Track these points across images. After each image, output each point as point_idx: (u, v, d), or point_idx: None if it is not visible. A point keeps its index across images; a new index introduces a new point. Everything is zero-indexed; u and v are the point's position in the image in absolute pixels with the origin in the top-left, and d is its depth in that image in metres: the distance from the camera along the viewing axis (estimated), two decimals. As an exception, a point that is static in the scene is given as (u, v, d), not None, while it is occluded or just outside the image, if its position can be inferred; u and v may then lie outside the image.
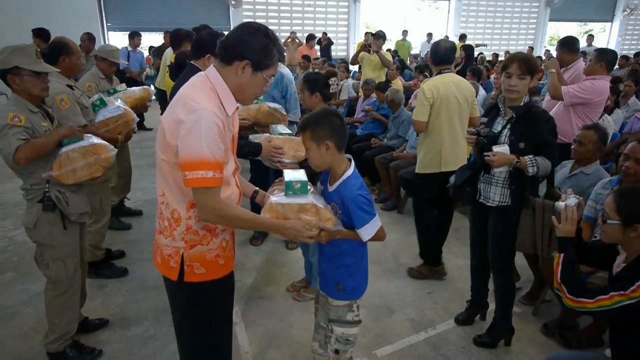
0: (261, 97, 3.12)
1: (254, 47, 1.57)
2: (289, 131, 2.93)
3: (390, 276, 3.55)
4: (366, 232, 1.83)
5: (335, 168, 1.88)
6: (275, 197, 1.79)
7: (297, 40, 11.29)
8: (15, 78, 2.25)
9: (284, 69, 3.68)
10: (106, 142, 2.54)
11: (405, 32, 12.82)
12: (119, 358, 2.61)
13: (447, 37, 13.68)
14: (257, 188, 2.05)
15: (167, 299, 3.10)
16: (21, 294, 3.19)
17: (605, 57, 3.82)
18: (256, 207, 1.95)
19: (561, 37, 4.26)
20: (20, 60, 2.23)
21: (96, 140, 2.49)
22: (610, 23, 17.23)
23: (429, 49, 11.95)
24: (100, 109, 3.25)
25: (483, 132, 2.50)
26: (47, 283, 2.46)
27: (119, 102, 3.34)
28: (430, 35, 13.47)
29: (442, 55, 3.29)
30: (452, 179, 2.70)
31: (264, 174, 3.59)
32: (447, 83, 3.21)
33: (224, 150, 1.56)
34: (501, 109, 2.55)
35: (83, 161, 2.38)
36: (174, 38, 4.12)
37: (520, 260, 3.28)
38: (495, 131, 2.53)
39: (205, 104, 1.52)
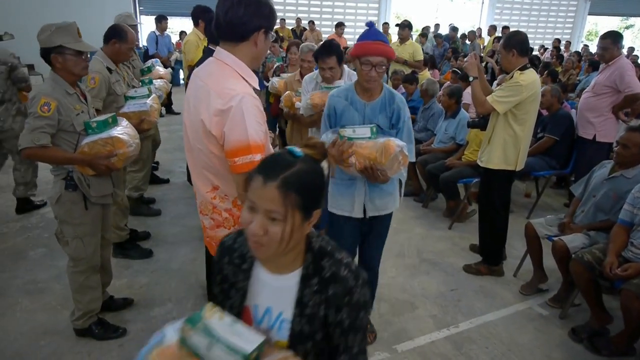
0: (373, 128, 2.10)
1: (265, 13, 1.57)
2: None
3: (414, 271, 3.50)
4: None
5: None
6: None
7: (316, 30, 11.29)
8: (58, 57, 2.25)
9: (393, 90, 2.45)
10: (126, 138, 2.48)
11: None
12: (142, 337, 2.65)
13: (479, 29, 13.30)
14: None
15: (191, 282, 3.17)
16: (51, 269, 3.29)
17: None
18: None
19: (608, 30, 4.07)
20: (64, 39, 2.23)
21: (116, 132, 2.45)
22: (654, 18, 16.50)
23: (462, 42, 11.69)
24: (129, 101, 3.26)
25: None
26: (69, 260, 2.51)
27: (149, 100, 3.28)
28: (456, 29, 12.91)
29: (528, 47, 3.14)
30: None
31: None
32: (538, 79, 3.10)
33: (264, 131, 1.58)
34: None
35: (105, 154, 2.34)
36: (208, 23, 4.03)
37: (548, 261, 3.19)
38: None
39: (240, 89, 1.53)
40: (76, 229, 2.42)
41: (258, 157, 1.51)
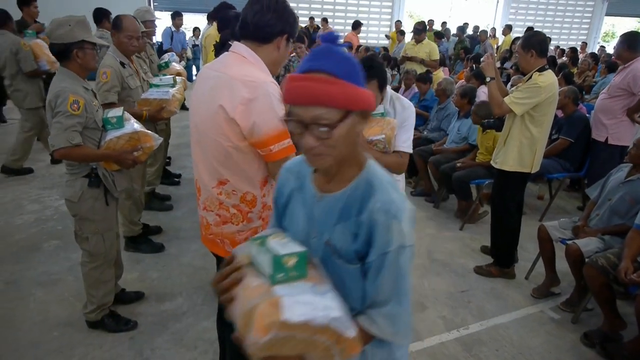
0: (287, 259, 1.02)
1: (289, 20, 1.63)
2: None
3: (424, 271, 3.48)
4: None
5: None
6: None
7: (330, 27, 11.19)
8: (79, 52, 2.22)
9: None
10: (151, 132, 2.51)
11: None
12: (152, 331, 2.68)
13: (494, 29, 13.16)
14: None
15: (201, 277, 3.18)
16: (65, 261, 3.33)
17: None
18: None
19: (625, 32, 4.04)
20: (85, 34, 2.22)
21: (139, 127, 2.46)
22: (673, 19, 16.20)
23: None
24: (152, 88, 3.32)
25: None
26: (84, 256, 2.51)
27: (173, 90, 3.32)
28: (462, 25, 12.52)
29: (547, 48, 3.09)
30: None
31: None
32: (557, 81, 3.07)
33: None
34: None
35: (129, 149, 2.38)
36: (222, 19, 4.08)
37: (560, 264, 3.16)
38: None
39: (264, 77, 1.57)
40: (98, 225, 2.43)
41: (289, 142, 1.57)
